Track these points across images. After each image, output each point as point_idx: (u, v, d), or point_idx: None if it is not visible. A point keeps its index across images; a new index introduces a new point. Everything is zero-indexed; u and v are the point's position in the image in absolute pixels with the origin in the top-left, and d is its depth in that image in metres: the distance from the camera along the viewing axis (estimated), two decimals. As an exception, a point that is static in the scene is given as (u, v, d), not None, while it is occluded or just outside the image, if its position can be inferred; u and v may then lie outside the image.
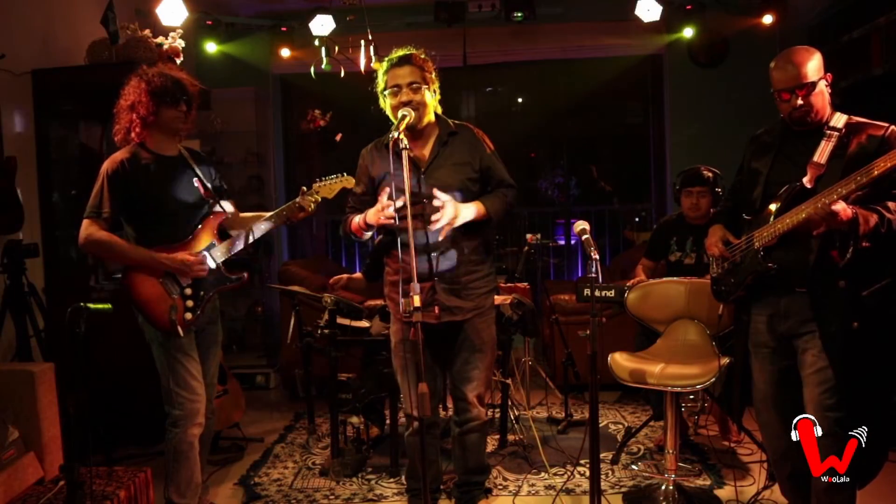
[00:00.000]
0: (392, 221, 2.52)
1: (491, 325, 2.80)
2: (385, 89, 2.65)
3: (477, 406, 2.78)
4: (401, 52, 2.67)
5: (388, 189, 2.55)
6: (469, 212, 2.59)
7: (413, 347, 2.25)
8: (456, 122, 2.79)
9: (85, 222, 2.67)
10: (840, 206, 2.14)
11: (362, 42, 4.72)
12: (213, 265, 2.77)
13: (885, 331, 2.32)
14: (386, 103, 2.69)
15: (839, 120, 2.35)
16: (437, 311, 2.59)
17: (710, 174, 3.63)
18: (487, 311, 2.78)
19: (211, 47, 5.75)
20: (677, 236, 3.74)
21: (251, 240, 2.85)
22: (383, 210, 2.54)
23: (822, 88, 2.33)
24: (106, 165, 2.69)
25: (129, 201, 2.68)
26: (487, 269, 2.78)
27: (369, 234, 2.74)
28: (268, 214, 2.87)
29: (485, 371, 2.76)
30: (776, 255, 2.38)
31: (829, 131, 2.33)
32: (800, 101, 2.30)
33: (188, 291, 2.72)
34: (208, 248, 2.78)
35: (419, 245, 2.60)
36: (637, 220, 6.73)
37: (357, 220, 2.71)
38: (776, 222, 2.35)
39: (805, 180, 2.33)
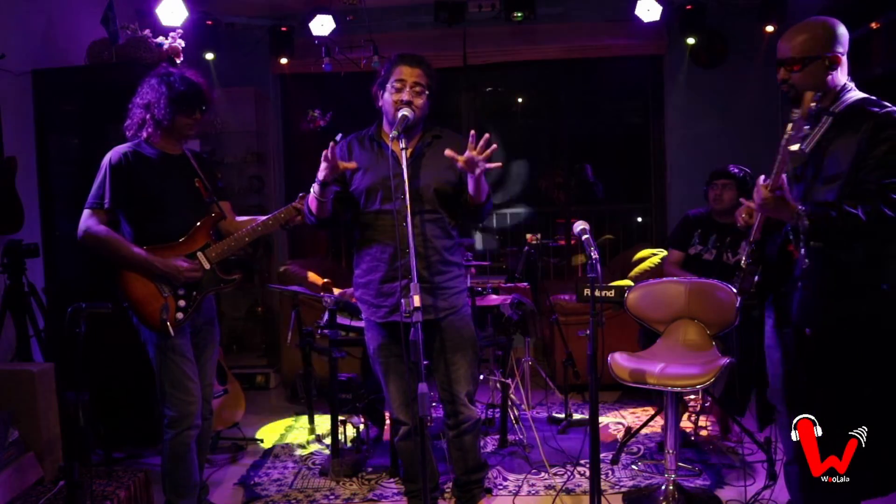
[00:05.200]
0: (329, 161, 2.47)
1: (468, 323, 2.79)
2: (387, 82, 2.62)
3: (469, 406, 2.78)
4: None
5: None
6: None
7: (413, 348, 2.24)
8: (442, 127, 2.78)
9: (86, 213, 2.67)
10: (762, 194, 2.03)
11: (362, 42, 4.73)
12: (207, 266, 2.77)
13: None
14: (382, 97, 2.66)
15: (839, 105, 2.20)
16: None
17: (737, 170, 3.63)
18: (462, 309, 2.76)
19: (211, 48, 5.74)
20: (702, 230, 3.76)
21: (247, 241, 2.85)
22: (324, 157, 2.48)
23: (817, 68, 2.14)
24: (109, 156, 2.70)
25: (129, 194, 2.68)
26: (458, 271, 2.77)
27: (328, 197, 2.61)
28: (263, 218, 2.86)
29: (470, 368, 2.76)
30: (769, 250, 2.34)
31: (826, 117, 2.18)
32: (780, 76, 2.20)
33: (181, 291, 2.71)
34: (203, 249, 2.78)
35: (394, 244, 2.55)
36: (639, 220, 6.72)
37: (311, 192, 2.62)
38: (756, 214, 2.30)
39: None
